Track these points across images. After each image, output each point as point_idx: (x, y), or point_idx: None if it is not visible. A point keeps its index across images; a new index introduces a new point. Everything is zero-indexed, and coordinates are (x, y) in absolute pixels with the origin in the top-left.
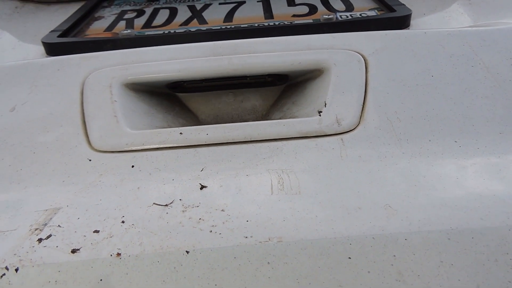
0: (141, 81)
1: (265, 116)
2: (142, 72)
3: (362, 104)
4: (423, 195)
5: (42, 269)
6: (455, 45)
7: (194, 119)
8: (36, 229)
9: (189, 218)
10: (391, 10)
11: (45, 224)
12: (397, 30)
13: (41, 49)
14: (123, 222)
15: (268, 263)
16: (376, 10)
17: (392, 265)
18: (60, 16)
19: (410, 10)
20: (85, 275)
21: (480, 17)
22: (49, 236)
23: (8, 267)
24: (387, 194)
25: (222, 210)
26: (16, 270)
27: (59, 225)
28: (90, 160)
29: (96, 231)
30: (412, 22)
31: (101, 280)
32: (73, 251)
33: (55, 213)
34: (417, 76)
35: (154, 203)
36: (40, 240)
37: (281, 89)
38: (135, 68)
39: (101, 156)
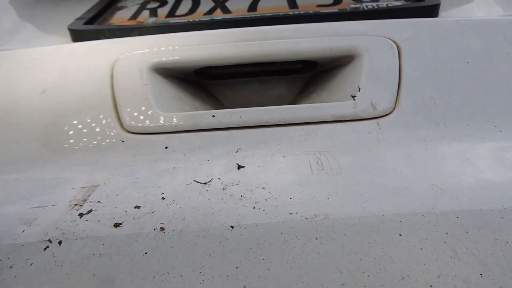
0: (171, 66)
1: (292, 104)
2: (173, 56)
3: (397, 89)
4: (470, 176)
5: (85, 242)
6: (488, 33)
7: (220, 106)
8: (76, 205)
9: (231, 195)
10: (418, 0)
11: (85, 200)
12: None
13: (66, 37)
14: (163, 198)
15: (316, 238)
16: (402, 1)
17: (445, 242)
18: (81, 6)
19: (439, 0)
20: (130, 249)
21: (509, 7)
22: (90, 211)
23: (51, 239)
24: (432, 175)
25: (263, 188)
26: (60, 242)
27: (98, 201)
28: (123, 141)
29: (137, 207)
30: (440, 13)
31: (146, 253)
32: (116, 225)
33: (93, 190)
34: (452, 62)
35: (194, 180)
36: (81, 214)
37: (307, 77)
38: (165, 52)
39: (134, 138)
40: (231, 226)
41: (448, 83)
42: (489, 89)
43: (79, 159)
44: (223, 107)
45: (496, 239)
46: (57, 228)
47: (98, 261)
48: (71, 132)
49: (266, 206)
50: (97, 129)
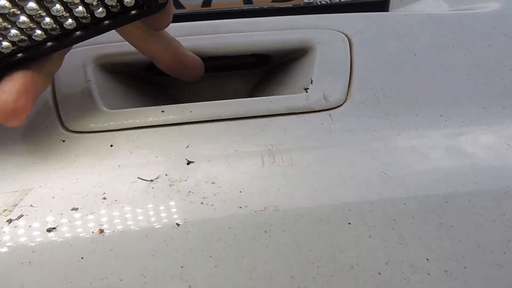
0: (118, 61)
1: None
2: (119, 52)
3: (348, 81)
4: (417, 163)
5: (14, 250)
6: (435, 27)
7: (173, 103)
8: (4, 210)
9: (178, 192)
10: None
11: (15, 205)
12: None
13: None
14: (104, 198)
15: (265, 231)
16: None
17: (393, 229)
18: None
19: None
20: (64, 254)
21: (455, 3)
22: (20, 216)
23: None
24: (381, 163)
25: (213, 183)
26: None
27: (31, 205)
28: (63, 141)
29: (75, 209)
30: (390, 9)
31: (82, 258)
32: (49, 230)
33: (26, 194)
34: (401, 55)
35: (138, 177)
36: (9, 220)
37: (262, 72)
38: (112, 47)
39: (76, 137)
40: (176, 224)
41: (397, 75)
42: (435, 80)
43: (13, 162)
44: (175, 104)
45: (441, 223)
46: None
47: (27, 270)
48: (5, 133)
49: (214, 201)
50: (35, 129)
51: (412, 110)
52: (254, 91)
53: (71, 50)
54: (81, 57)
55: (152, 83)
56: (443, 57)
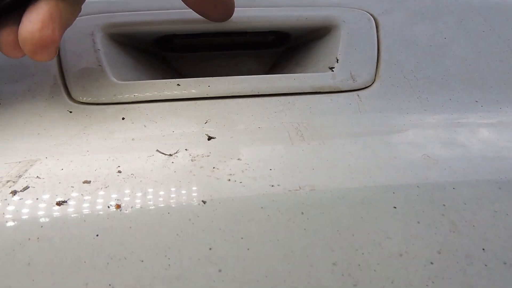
0: (128, 31)
1: None
2: (131, 21)
3: (376, 61)
4: (461, 147)
5: (19, 224)
6: (464, 11)
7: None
8: (8, 181)
9: (201, 167)
10: None
11: (20, 176)
12: None
13: None
14: (119, 172)
15: (302, 213)
16: None
17: (443, 215)
18: None
19: None
20: (77, 231)
21: None
22: (26, 187)
23: None
24: (421, 145)
25: (239, 159)
26: None
27: (37, 177)
28: (70, 112)
29: (87, 182)
30: None
31: (97, 235)
32: (59, 203)
33: (31, 165)
34: (430, 37)
35: (157, 150)
36: (14, 192)
37: (279, 53)
38: (122, 16)
39: (84, 108)
40: (202, 201)
41: (427, 57)
42: (467, 64)
43: (15, 132)
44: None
45: (496, 211)
46: None
47: (35, 247)
48: (5, 101)
49: (243, 178)
50: (39, 98)
51: (445, 94)
52: (269, 72)
53: (78, 18)
54: (89, 25)
55: (161, 59)
56: (474, 42)
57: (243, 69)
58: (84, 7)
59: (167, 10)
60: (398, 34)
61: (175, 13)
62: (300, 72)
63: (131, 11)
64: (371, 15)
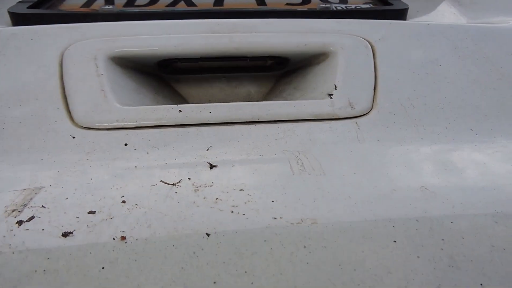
0: (131, 55)
1: None
2: (134, 45)
3: (373, 88)
4: (458, 179)
5: (25, 256)
6: (458, 38)
7: (184, 103)
8: (13, 211)
9: (204, 198)
10: (387, 3)
11: (25, 205)
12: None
13: (6, 20)
14: (123, 202)
15: (305, 247)
16: (370, 4)
17: (442, 249)
18: None
19: (407, 4)
20: (82, 263)
21: (470, 16)
22: (32, 217)
23: None
24: (419, 176)
25: (241, 190)
26: None
27: (43, 206)
28: (73, 137)
29: (92, 212)
30: (408, 18)
31: (103, 268)
32: (65, 234)
33: (36, 193)
34: (425, 65)
35: (161, 181)
36: (20, 222)
37: (277, 76)
38: (125, 40)
39: (87, 133)
40: (206, 234)
41: (423, 85)
42: (462, 92)
43: (19, 157)
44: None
45: (493, 246)
46: None
47: (42, 279)
48: (8, 126)
49: (246, 210)
50: (42, 123)
51: (441, 123)
52: (268, 96)
53: (81, 41)
54: (92, 49)
55: (162, 80)
56: (468, 69)
57: (242, 91)
58: (86, 30)
59: (169, 34)
60: (394, 61)
61: (177, 37)
62: (299, 97)
63: (133, 35)
64: (368, 42)
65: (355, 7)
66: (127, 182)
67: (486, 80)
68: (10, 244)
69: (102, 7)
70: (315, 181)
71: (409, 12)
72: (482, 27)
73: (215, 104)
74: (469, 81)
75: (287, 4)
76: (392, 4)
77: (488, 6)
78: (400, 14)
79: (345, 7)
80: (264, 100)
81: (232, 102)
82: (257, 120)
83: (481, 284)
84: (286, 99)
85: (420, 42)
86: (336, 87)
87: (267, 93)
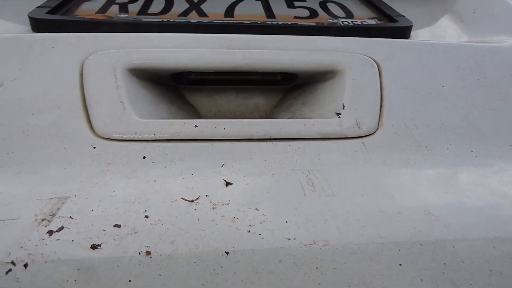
0: (148, 67)
1: (270, 116)
2: (151, 58)
3: (379, 108)
4: (459, 202)
5: (57, 265)
6: (460, 58)
7: (195, 113)
8: (43, 220)
9: (222, 216)
10: (392, 20)
11: (53, 215)
12: (402, 39)
13: (25, 26)
14: (146, 217)
15: (317, 268)
16: (376, 20)
17: (444, 273)
18: None
19: (411, 21)
20: (111, 275)
21: (472, 33)
22: (61, 228)
23: (14, 261)
24: (423, 199)
25: (256, 209)
26: (25, 265)
27: (70, 217)
28: (94, 147)
29: (117, 225)
30: (411, 33)
31: (130, 281)
32: (93, 246)
33: (62, 203)
34: (428, 85)
35: (182, 198)
36: (50, 232)
37: (285, 90)
38: (142, 53)
39: (107, 144)
40: (225, 252)
41: (426, 106)
42: (463, 113)
43: (43, 165)
44: (198, 114)
45: (491, 270)
46: (21, 247)
47: None
48: (32, 133)
49: (261, 230)
50: (64, 132)
51: (443, 144)
52: (276, 109)
53: (100, 52)
54: (111, 60)
55: (175, 90)
56: (469, 90)
57: (251, 103)
58: (105, 41)
59: (185, 48)
60: (399, 81)
61: (192, 52)
62: (307, 112)
63: (150, 48)
64: (375, 61)
65: (361, 22)
66: (148, 196)
67: (486, 101)
68: (42, 254)
69: (118, 15)
70: (326, 202)
71: (413, 29)
72: (482, 46)
73: (229, 120)
74: (469, 102)
75: (296, 17)
76: (397, 21)
77: (489, 23)
78: (405, 31)
79: (352, 22)
80: (272, 113)
81: (242, 113)
82: (269, 138)
83: None
84: (294, 114)
85: (424, 62)
86: (344, 106)
87: (275, 105)
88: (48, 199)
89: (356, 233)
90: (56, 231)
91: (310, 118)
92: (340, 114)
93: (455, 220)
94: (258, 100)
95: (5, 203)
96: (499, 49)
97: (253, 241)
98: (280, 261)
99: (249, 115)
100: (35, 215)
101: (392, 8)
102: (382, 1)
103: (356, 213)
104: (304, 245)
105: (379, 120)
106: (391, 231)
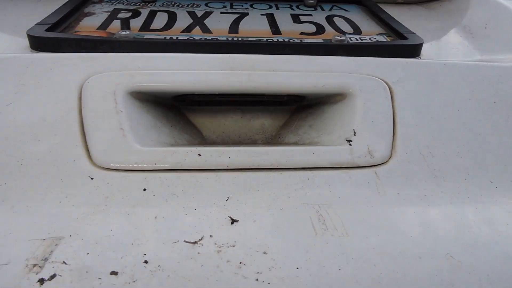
0: (150, 90)
1: (275, 137)
2: (153, 80)
3: (392, 135)
4: (481, 244)
5: None
6: (475, 79)
7: (199, 135)
8: (34, 266)
9: (227, 261)
10: (401, 37)
11: (45, 259)
12: (413, 58)
13: (25, 42)
14: (145, 262)
15: None
16: (384, 36)
17: None
18: (42, 8)
19: (422, 39)
20: None
21: (484, 50)
22: (53, 276)
23: None
24: (443, 241)
25: (264, 253)
26: None
27: (64, 262)
28: (92, 178)
29: (114, 273)
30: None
31: None
32: None
33: (56, 245)
34: (443, 108)
35: (184, 241)
36: (42, 281)
37: (292, 110)
38: (143, 75)
39: (106, 175)
40: None
41: (441, 131)
42: (481, 139)
43: (37, 198)
44: (201, 135)
45: None
46: None
47: None
48: (27, 162)
49: (271, 278)
50: (60, 161)
51: (461, 174)
52: (283, 130)
53: (100, 74)
54: (110, 83)
55: (177, 111)
56: (486, 114)
57: (256, 124)
58: (105, 62)
59: (188, 70)
60: (412, 105)
61: (196, 73)
62: (315, 136)
63: (152, 69)
64: (386, 83)
65: (370, 38)
66: (148, 237)
67: (504, 126)
68: None
69: (119, 32)
70: (339, 244)
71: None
72: (497, 66)
73: (234, 148)
74: (487, 127)
75: (302, 33)
76: (407, 38)
77: (501, 39)
78: (416, 49)
79: (360, 38)
80: (278, 134)
81: (247, 134)
82: (277, 167)
83: None
84: (302, 138)
85: (438, 84)
86: (355, 132)
87: (281, 126)
88: (41, 239)
89: (373, 281)
90: (48, 279)
91: (318, 143)
92: (351, 141)
93: (479, 266)
94: (264, 121)
95: None
96: None
97: None
98: None
99: (254, 136)
100: (26, 259)
101: (401, 24)
102: (390, 16)
103: (372, 258)
104: None
105: (392, 148)
106: (411, 280)
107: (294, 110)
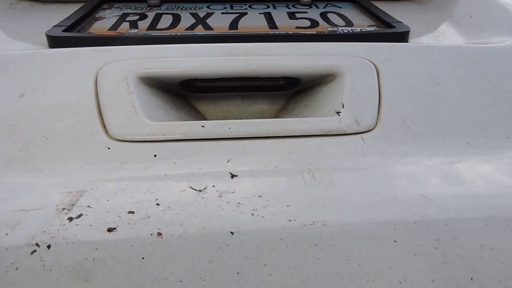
0: (157, 76)
1: None
2: (160, 66)
3: (377, 106)
4: (452, 187)
5: (77, 246)
6: (456, 58)
7: (203, 119)
8: (63, 209)
9: (228, 202)
10: (390, 26)
11: (73, 205)
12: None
13: (43, 44)
14: (158, 204)
15: (316, 244)
16: (375, 27)
17: (437, 248)
18: (57, 15)
19: (409, 27)
20: (125, 254)
21: (469, 37)
22: (80, 215)
23: (39, 243)
24: (418, 185)
25: (260, 196)
26: (48, 246)
27: (88, 206)
28: (109, 148)
29: (131, 212)
30: (410, 39)
31: (143, 258)
32: (110, 229)
33: (80, 195)
34: (425, 84)
35: (190, 187)
36: (70, 218)
37: (289, 94)
38: (152, 62)
39: (121, 145)
40: (230, 232)
41: (423, 103)
42: (460, 109)
43: (61, 164)
44: (205, 119)
45: (482, 245)
46: (44, 232)
47: (92, 266)
48: (52, 137)
49: (264, 213)
50: (80, 135)
51: (440, 137)
52: (280, 113)
53: (113, 63)
54: (123, 70)
55: (183, 98)
56: (465, 87)
57: (256, 109)
58: (118, 53)
59: (191, 57)
60: (397, 81)
61: (198, 60)
62: (309, 114)
63: (159, 58)
64: (373, 63)
65: (360, 29)
66: (159, 188)
67: (482, 98)
68: (64, 236)
69: (128, 30)
70: (325, 189)
71: (411, 34)
72: (479, 47)
73: (234, 120)
74: (466, 99)
75: (297, 27)
76: (395, 27)
77: (486, 26)
78: (402, 36)
79: (351, 29)
80: (276, 117)
81: (247, 118)
82: (272, 136)
83: (471, 278)
84: (297, 116)
85: (421, 63)
86: (343, 105)
87: (279, 110)
88: (67, 192)
89: (354, 214)
90: (76, 217)
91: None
92: (340, 112)
93: (449, 203)
94: (263, 106)
95: (29, 196)
96: (496, 49)
97: (256, 223)
98: (281, 239)
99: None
100: (56, 205)
101: (390, 16)
102: (381, 10)
103: (354, 198)
104: (304, 225)
105: (377, 117)
106: (387, 212)
107: (290, 95)
